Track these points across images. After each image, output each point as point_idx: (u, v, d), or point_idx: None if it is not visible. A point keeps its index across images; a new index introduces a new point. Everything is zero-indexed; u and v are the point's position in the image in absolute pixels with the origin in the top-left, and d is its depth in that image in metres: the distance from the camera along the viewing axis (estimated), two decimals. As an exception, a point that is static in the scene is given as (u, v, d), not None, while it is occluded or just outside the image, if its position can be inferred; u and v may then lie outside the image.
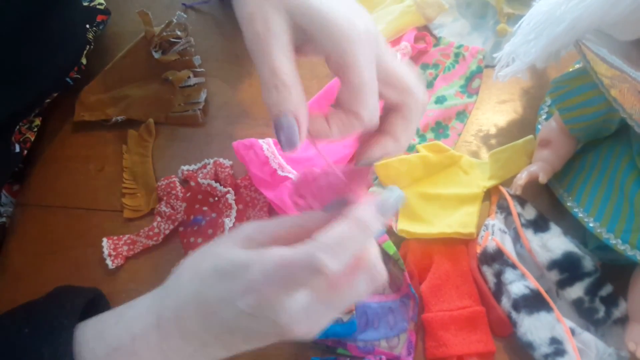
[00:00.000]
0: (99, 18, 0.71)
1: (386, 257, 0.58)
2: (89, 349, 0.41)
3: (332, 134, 0.37)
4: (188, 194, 0.64)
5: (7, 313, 0.49)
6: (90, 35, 0.69)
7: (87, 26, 0.69)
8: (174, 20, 0.70)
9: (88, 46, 0.69)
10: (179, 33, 0.70)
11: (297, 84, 0.36)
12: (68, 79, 0.68)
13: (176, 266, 0.42)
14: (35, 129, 0.68)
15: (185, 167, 0.65)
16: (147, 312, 0.41)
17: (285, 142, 0.36)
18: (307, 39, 0.37)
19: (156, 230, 0.62)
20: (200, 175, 0.64)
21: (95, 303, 0.52)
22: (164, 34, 0.69)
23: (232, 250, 0.37)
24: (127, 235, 0.62)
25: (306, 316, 0.36)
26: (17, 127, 0.65)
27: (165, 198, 0.64)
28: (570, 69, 0.63)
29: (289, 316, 0.35)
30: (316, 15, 0.36)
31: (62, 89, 0.69)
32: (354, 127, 0.37)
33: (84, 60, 0.70)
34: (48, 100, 0.68)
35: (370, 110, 0.37)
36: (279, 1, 0.36)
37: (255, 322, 0.36)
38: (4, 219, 0.66)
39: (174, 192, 0.63)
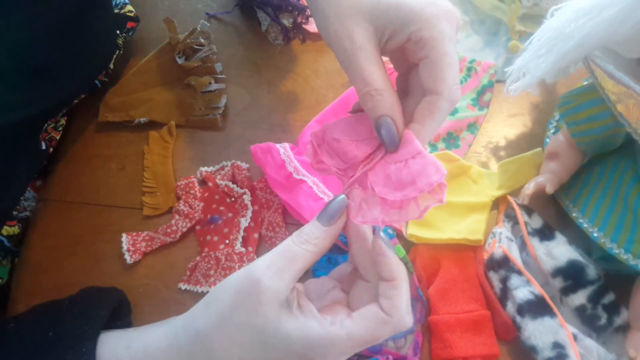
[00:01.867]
0: (129, 25, 0.74)
1: (396, 260, 0.60)
2: None
3: (424, 130, 0.39)
4: (206, 194, 0.66)
5: (31, 312, 0.51)
6: (120, 41, 0.72)
7: (118, 32, 0.72)
8: (198, 29, 0.73)
9: (118, 51, 0.72)
10: (202, 41, 0.73)
11: (389, 87, 0.38)
12: (97, 82, 0.71)
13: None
14: (61, 129, 0.71)
15: (203, 168, 0.68)
16: (170, 347, 0.43)
17: (388, 142, 0.39)
18: (389, 34, 0.39)
19: (174, 227, 0.64)
20: (218, 176, 0.66)
21: (118, 305, 0.54)
22: (188, 41, 0.72)
23: (284, 321, 0.39)
24: (145, 232, 0.65)
25: None
26: (45, 125, 0.67)
27: (183, 197, 0.66)
28: (579, 86, 0.65)
29: None
30: (393, 8, 0.38)
31: (90, 90, 0.72)
32: (438, 108, 0.38)
33: (111, 65, 0.73)
34: (76, 101, 0.70)
35: (451, 86, 0.38)
36: (356, 10, 0.39)
37: None
38: (27, 213, 0.68)
39: (192, 191, 0.66)
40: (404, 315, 0.40)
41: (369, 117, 0.39)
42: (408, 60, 0.41)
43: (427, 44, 0.38)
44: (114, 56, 0.72)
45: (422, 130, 0.39)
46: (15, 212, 0.66)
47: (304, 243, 0.40)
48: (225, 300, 0.40)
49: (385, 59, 0.42)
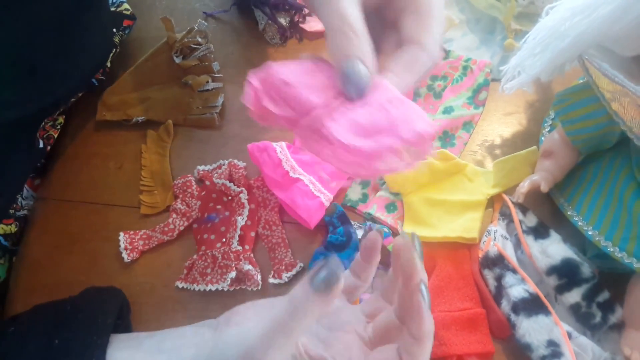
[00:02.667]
0: (125, 23, 0.74)
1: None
2: None
3: (399, 82, 0.35)
4: (203, 193, 0.66)
5: (32, 315, 0.50)
6: (116, 39, 0.73)
7: (114, 30, 0.73)
8: (195, 27, 0.73)
9: (114, 49, 0.73)
10: (199, 40, 0.73)
11: (366, 32, 0.34)
12: (94, 80, 0.72)
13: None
14: (59, 127, 0.71)
15: (201, 167, 0.68)
16: None
17: (354, 89, 0.33)
18: None
19: (171, 226, 0.64)
20: (215, 175, 0.67)
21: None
22: (185, 40, 0.72)
23: None
24: (143, 231, 0.65)
25: None
26: (42, 123, 0.68)
27: (181, 196, 0.66)
28: (574, 84, 0.65)
29: None
30: None
31: (88, 89, 0.72)
32: (418, 60, 0.35)
33: (108, 63, 0.73)
34: (73, 100, 0.71)
35: (435, 39, 0.35)
36: None
37: None
38: (25, 212, 0.69)
39: (189, 190, 0.66)
40: None
41: (336, 57, 0.34)
42: (384, 20, 0.39)
43: None
44: (111, 54, 0.72)
45: (397, 83, 0.35)
46: (12, 211, 0.67)
47: (301, 318, 0.36)
48: None
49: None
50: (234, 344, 0.40)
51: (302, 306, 0.36)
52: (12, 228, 0.66)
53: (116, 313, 0.51)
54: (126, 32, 0.75)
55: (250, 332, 0.39)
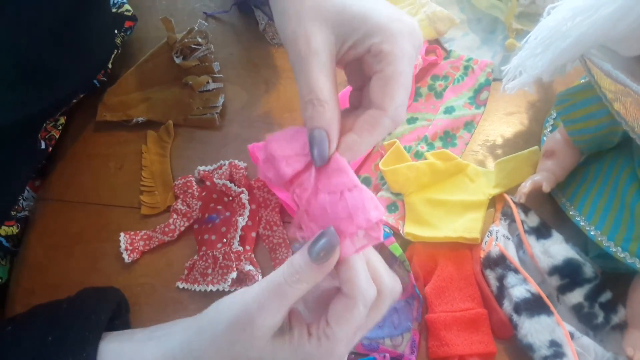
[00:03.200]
0: (127, 24, 0.74)
1: (392, 258, 0.60)
2: None
3: (360, 142, 0.38)
4: (204, 193, 0.66)
5: (29, 315, 0.50)
6: (118, 40, 0.73)
7: (116, 31, 0.73)
8: (196, 28, 0.73)
9: (116, 50, 0.73)
10: (199, 40, 0.73)
11: (333, 101, 0.37)
12: (95, 81, 0.71)
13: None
14: (60, 127, 0.71)
15: (201, 168, 0.68)
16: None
17: (317, 156, 0.37)
18: (351, 44, 0.38)
19: (172, 226, 0.64)
20: (216, 175, 0.67)
21: (117, 304, 0.54)
22: (186, 40, 0.72)
23: (279, 350, 0.40)
24: (143, 231, 0.65)
25: None
26: (44, 124, 0.68)
27: (181, 196, 0.66)
28: (576, 84, 0.65)
29: None
30: (359, 18, 0.38)
31: (89, 90, 0.72)
32: (380, 124, 0.38)
33: (109, 64, 0.73)
34: (75, 101, 0.70)
35: (397, 105, 0.38)
36: (318, 13, 0.37)
37: None
38: (26, 213, 0.69)
39: (190, 190, 0.66)
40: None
41: (306, 124, 0.38)
42: (364, 74, 0.41)
43: (385, 58, 0.37)
44: (112, 56, 0.72)
45: (358, 142, 0.38)
46: (14, 212, 0.67)
47: (296, 282, 0.38)
48: (221, 333, 0.41)
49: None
50: (227, 306, 0.41)
51: (300, 272, 0.38)
52: (14, 230, 0.66)
53: (111, 311, 0.51)
54: (128, 33, 0.75)
55: (245, 293, 0.40)
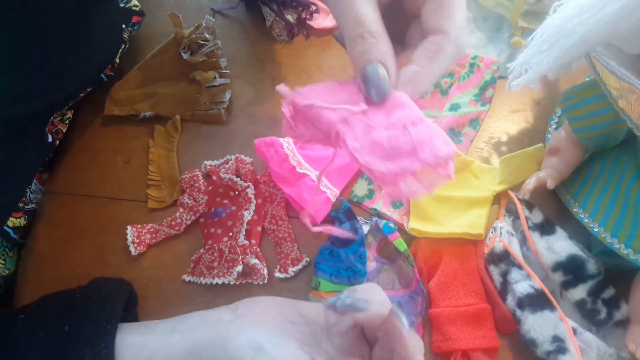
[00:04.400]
0: (134, 19, 0.75)
1: (397, 253, 0.60)
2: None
3: (422, 72, 0.35)
4: (210, 188, 0.66)
5: (41, 304, 0.51)
6: (125, 35, 0.73)
7: (123, 26, 0.73)
8: (203, 24, 0.74)
9: (123, 45, 0.73)
10: (207, 36, 0.73)
11: (384, 32, 0.34)
12: (102, 76, 0.72)
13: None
14: (67, 121, 0.72)
15: (208, 162, 0.68)
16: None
17: (375, 93, 0.34)
18: None
19: (178, 220, 0.65)
20: (222, 170, 0.67)
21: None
22: (193, 36, 0.73)
23: None
24: (150, 224, 0.65)
25: None
26: (51, 118, 0.68)
27: (188, 190, 0.67)
28: (581, 82, 0.65)
29: None
30: None
31: (96, 84, 0.72)
32: (443, 49, 0.34)
33: (117, 59, 0.73)
34: (82, 95, 0.71)
35: (459, 27, 0.35)
36: None
37: None
38: (33, 205, 0.69)
39: (196, 185, 0.66)
40: None
41: (356, 62, 0.34)
42: (405, 14, 0.38)
43: None
44: (120, 50, 0.73)
45: (421, 74, 0.35)
46: (21, 204, 0.67)
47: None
48: None
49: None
50: (246, 343, 0.42)
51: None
52: (21, 221, 0.67)
53: (124, 301, 0.51)
54: (135, 28, 0.75)
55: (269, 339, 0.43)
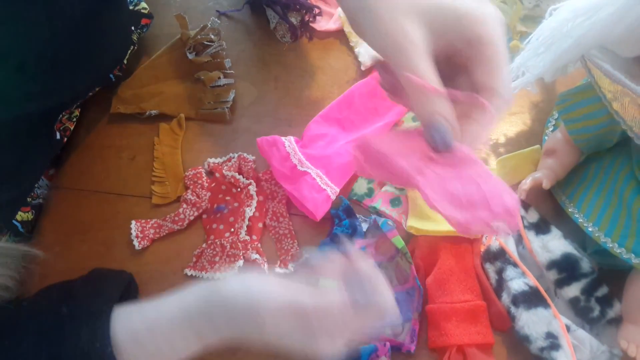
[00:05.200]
0: (143, 21, 0.76)
1: (395, 250, 0.61)
2: (122, 339, 0.46)
3: (481, 129, 0.38)
4: (213, 184, 0.68)
5: (44, 291, 0.53)
6: (134, 37, 0.75)
7: (133, 28, 0.75)
8: (209, 25, 0.75)
9: (132, 47, 0.75)
10: (212, 37, 0.75)
11: (442, 87, 0.37)
12: (111, 75, 0.74)
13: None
14: (75, 119, 0.73)
15: (211, 160, 0.70)
16: (179, 310, 0.46)
17: (441, 143, 0.37)
18: (443, 32, 0.38)
19: (181, 216, 0.66)
20: (225, 167, 0.69)
21: (127, 286, 0.56)
22: (199, 37, 0.74)
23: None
24: (154, 220, 0.67)
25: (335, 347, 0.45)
26: (60, 116, 0.70)
27: (191, 187, 0.68)
28: (578, 85, 0.66)
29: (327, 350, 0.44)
30: (450, 8, 0.38)
31: (105, 84, 0.74)
32: (497, 107, 0.38)
33: (125, 60, 0.75)
34: (90, 94, 0.73)
35: (506, 84, 0.38)
36: (412, 9, 0.38)
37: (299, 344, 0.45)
38: (40, 200, 0.71)
39: (199, 181, 0.68)
40: None
41: (420, 115, 0.38)
42: (455, 65, 0.41)
43: (483, 42, 0.37)
44: (129, 51, 0.75)
45: (481, 130, 0.38)
46: (29, 199, 0.69)
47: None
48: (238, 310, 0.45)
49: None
50: (239, 282, 0.46)
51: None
52: (29, 216, 0.68)
53: (122, 287, 0.53)
54: (144, 30, 0.77)
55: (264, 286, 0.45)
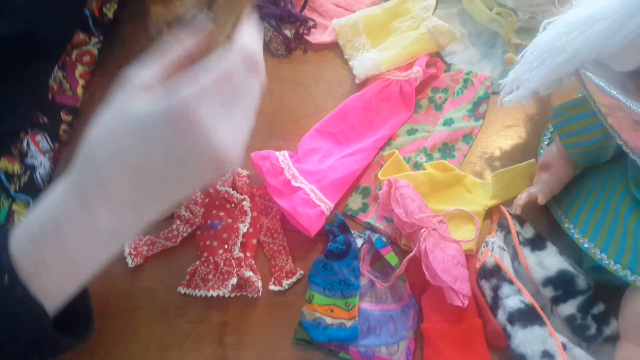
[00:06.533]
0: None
1: (389, 267, 0.61)
2: (14, 237, 0.40)
3: None
4: (207, 200, 0.67)
5: None
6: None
7: None
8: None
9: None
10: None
11: None
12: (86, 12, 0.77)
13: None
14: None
15: (205, 175, 0.69)
16: (67, 193, 0.40)
17: None
18: None
19: (175, 232, 0.66)
20: (219, 183, 0.68)
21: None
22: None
23: (140, 102, 0.38)
24: (147, 236, 0.66)
25: (228, 128, 0.40)
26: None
27: (185, 203, 0.67)
28: (573, 98, 0.66)
29: (215, 134, 0.38)
30: None
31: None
32: None
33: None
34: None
35: None
36: None
37: (186, 154, 0.38)
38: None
39: (193, 197, 0.67)
40: None
41: None
42: None
43: None
44: None
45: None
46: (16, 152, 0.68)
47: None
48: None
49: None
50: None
51: None
52: (17, 168, 0.67)
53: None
54: None
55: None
